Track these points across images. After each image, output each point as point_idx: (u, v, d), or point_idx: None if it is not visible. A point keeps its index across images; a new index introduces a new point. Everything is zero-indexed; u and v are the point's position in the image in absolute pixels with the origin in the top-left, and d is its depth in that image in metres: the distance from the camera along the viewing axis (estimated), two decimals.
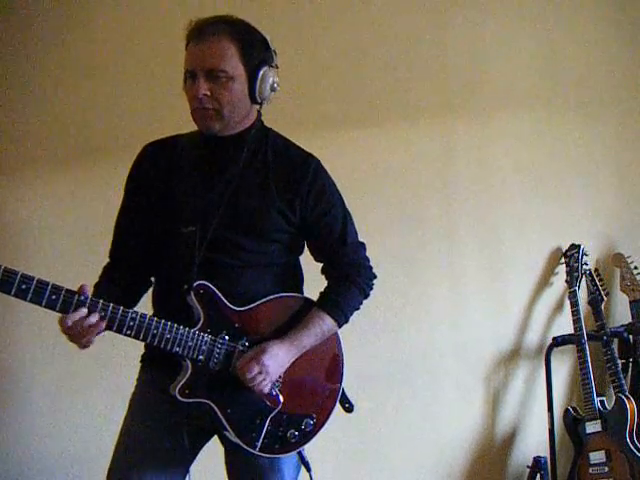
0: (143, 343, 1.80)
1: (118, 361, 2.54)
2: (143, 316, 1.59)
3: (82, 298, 1.52)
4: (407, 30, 2.97)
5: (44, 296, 1.48)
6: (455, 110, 3.03)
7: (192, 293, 1.65)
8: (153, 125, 2.50)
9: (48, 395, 2.52)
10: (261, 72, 1.67)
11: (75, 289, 1.53)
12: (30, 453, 2.49)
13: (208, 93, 1.63)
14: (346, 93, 2.87)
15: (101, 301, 1.54)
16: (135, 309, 1.61)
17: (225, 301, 1.68)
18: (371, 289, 1.85)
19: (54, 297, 1.49)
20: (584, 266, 3.03)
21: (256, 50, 1.67)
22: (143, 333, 1.58)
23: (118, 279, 1.76)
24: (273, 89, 1.72)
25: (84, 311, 1.52)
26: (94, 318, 1.53)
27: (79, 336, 1.55)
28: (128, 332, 1.58)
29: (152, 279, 1.83)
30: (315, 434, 1.75)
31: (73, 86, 2.58)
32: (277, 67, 1.73)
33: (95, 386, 2.55)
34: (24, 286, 1.46)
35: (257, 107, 1.75)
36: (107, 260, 1.82)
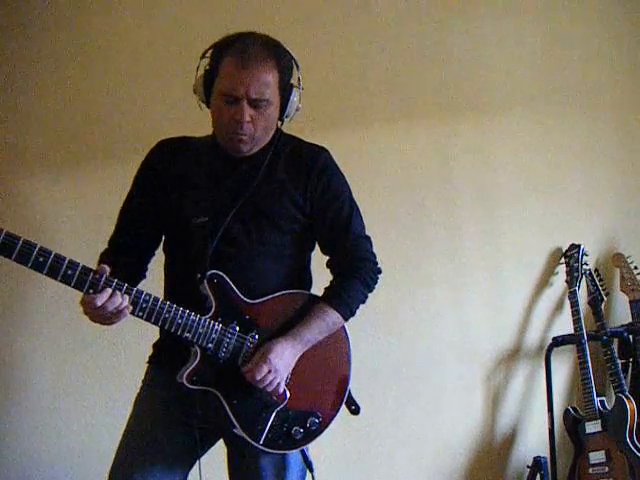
0: (145, 344, 1.82)
1: (118, 361, 2.55)
2: (156, 299, 1.61)
3: (97, 276, 1.52)
4: (408, 32, 2.98)
5: (59, 271, 1.49)
6: (455, 111, 3.03)
7: (205, 282, 1.66)
8: (167, 124, 2.51)
9: (47, 395, 2.52)
10: (292, 95, 1.73)
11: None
12: (30, 453, 2.49)
13: (249, 119, 1.66)
14: (347, 94, 2.87)
15: (116, 280, 1.55)
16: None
17: (237, 292, 1.69)
18: (375, 283, 1.85)
19: (70, 272, 1.50)
20: (584, 266, 3.02)
21: (290, 73, 1.73)
22: (155, 316, 1.60)
23: (113, 266, 1.74)
24: (297, 109, 1.77)
25: (109, 291, 1.53)
26: (120, 299, 1.54)
27: (105, 317, 1.56)
28: (140, 314, 1.59)
29: (146, 273, 1.85)
30: (319, 433, 1.75)
31: (83, 86, 2.59)
32: (302, 89, 1.76)
33: (95, 386, 2.54)
34: (41, 259, 1.47)
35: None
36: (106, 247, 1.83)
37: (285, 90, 1.72)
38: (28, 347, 2.51)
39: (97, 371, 2.54)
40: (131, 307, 1.56)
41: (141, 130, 2.58)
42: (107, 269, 1.55)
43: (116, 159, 2.59)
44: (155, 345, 1.82)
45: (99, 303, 1.52)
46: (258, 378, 1.63)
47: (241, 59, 1.63)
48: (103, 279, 1.53)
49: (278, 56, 1.69)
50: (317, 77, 2.79)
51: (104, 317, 1.56)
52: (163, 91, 2.62)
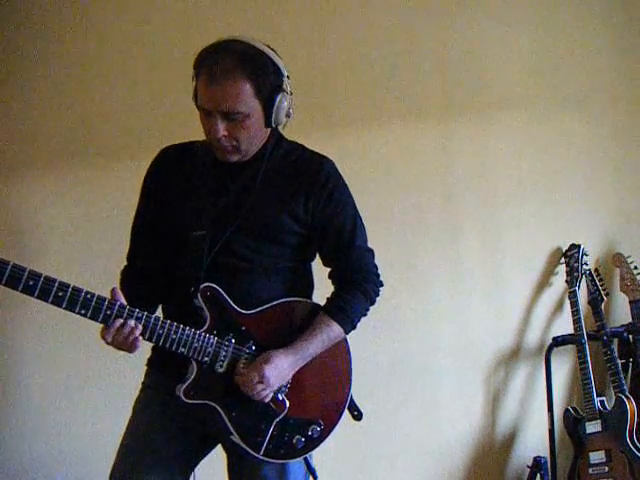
0: (145, 344, 1.81)
1: (119, 362, 2.53)
2: (149, 316, 1.59)
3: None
4: (408, 32, 2.97)
5: (50, 293, 1.48)
6: (455, 111, 3.03)
7: (199, 295, 1.65)
8: (162, 126, 2.53)
9: (48, 395, 2.52)
10: (276, 101, 1.66)
11: (82, 287, 1.53)
12: (30, 453, 2.49)
13: (226, 134, 1.64)
14: (347, 95, 2.87)
15: (107, 299, 1.55)
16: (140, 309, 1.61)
17: (232, 304, 1.68)
18: (377, 296, 1.84)
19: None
20: (584, 266, 3.02)
21: (269, 80, 1.65)
22: (149, 333, 1.59)
23: (137, 283, 1.75)
24: (288, 115, 1.72)
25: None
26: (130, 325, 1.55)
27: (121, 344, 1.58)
28: None
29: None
30: (322, 441, 1.74)
31: (83, 87, 2.59)
32: (291, 93, 1.71)
33: (95, 386, 2.55)
34: (31, 282, 1.47)
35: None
36: (124, 263, 1.82)
37: (267, 97, 1.65)
38: (28, 347, 2.51)
39: (97, 372, 2.54)
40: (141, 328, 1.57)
41: (137, 131, 2.58)
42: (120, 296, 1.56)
43: (110, 159, 2.58)
44: (154, 348, 1.81)
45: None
46: (247, 385, 1.62)
47: (209, 75, 1.61)
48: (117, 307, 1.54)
49: (247, 62, 1.61)
50: (316, 77, 2.79)
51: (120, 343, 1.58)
52: (160, 93, 2.61)
